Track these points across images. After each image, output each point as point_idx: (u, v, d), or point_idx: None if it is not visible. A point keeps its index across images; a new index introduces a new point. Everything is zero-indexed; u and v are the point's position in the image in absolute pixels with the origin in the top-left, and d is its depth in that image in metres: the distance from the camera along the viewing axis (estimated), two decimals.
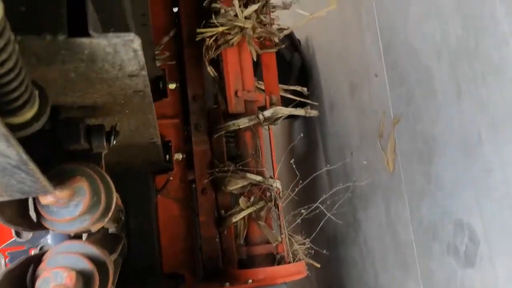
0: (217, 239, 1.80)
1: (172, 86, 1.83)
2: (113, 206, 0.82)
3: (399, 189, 2.22)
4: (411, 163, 2.09)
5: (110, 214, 0.81)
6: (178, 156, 1.81)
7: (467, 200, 1.77)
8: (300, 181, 1.73)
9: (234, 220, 1.76)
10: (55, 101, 0.79)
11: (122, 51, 0.59)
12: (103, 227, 1.43)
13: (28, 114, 0.52)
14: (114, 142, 0.84)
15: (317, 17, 1.84)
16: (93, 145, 0.82)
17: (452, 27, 1.67)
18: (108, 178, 0.81)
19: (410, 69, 1.98)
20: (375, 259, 2.54)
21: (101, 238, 1.14)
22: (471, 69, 1.63)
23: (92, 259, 0.73)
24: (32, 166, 0.48)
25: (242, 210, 1.77)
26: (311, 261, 1.82)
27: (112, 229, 1.60)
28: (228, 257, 1.78)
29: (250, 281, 1.61)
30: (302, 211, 1.71)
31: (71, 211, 0.68)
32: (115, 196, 0.83)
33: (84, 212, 0.70)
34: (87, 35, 0.54)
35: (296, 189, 1.71)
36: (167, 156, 1.78)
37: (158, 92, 1.82)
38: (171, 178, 1.78)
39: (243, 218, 1.78)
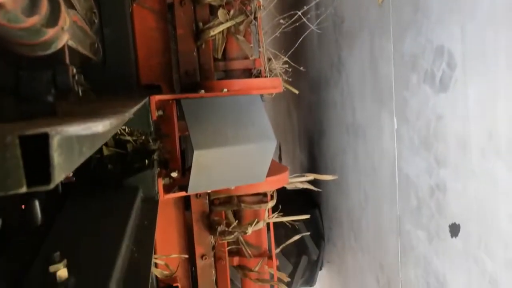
0: (194, 53, 1.77)
1: None
2: None
3: (386, 22, 2.16)
4: None
5: None
6: None
7: (451, 25, 1.72)
8: None
9: (212, 33, 1.71)
10: None
11: None
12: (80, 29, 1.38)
13: None
14: None
15: None
16: None
17: None
18: None
19: None
20: (354, 97, 2.58)
21: None
22: None
23: None
24: None
25: (220, 23, 1.71)
26: (286, 78, 1.82)
27: None
28: (205, 71, 1.77)
29: (225, 90, 1.61)
30: (281, 21, 1.66)
31: None
32: None
33: None
34: None
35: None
36: None
37: None
38: None
39: (222, 32, 1.73)
